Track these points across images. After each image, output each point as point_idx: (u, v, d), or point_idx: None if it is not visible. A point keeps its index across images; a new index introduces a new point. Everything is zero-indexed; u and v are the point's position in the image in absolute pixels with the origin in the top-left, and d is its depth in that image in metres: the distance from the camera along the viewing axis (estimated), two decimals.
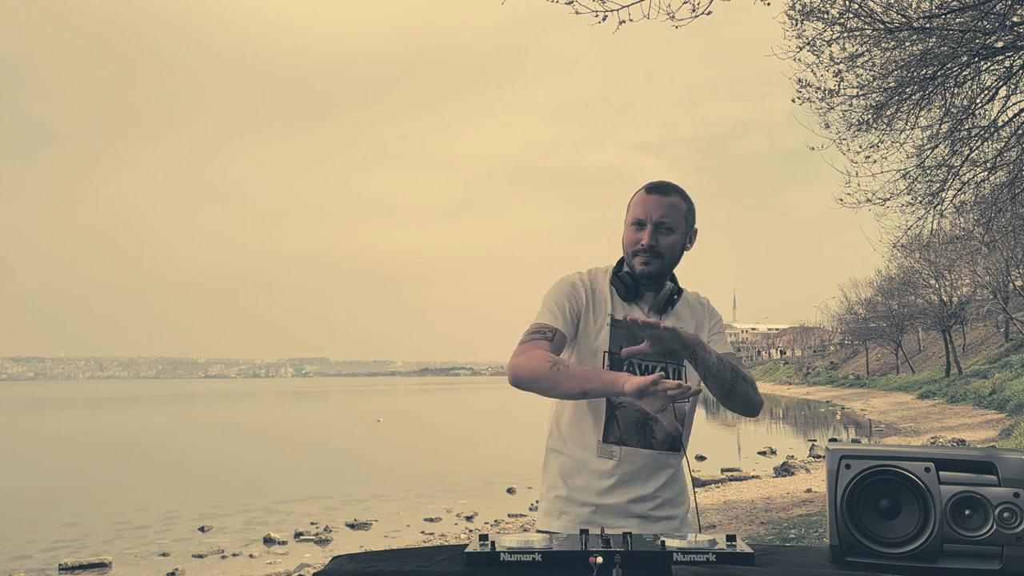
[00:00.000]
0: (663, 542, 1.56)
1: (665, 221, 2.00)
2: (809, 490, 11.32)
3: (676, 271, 2.12)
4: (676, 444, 2.06)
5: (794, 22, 8.10)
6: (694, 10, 6.46)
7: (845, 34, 8.02)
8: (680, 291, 2.11)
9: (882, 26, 7.52)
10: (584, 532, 1.58)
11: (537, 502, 2.23)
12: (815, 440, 21.58)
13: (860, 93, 8.62)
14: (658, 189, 2.03)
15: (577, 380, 1.86)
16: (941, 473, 1.51)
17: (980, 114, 9.03)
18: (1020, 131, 8.99)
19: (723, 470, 15.58)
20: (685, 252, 2.10)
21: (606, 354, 2.02)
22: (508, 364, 1.98)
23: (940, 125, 9.10)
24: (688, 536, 1.60)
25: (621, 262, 2.10)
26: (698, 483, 14.23)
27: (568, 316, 2.03)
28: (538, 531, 2.00)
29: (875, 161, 9.21)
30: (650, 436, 2.02)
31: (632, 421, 2.01)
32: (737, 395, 2.00)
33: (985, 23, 7.15)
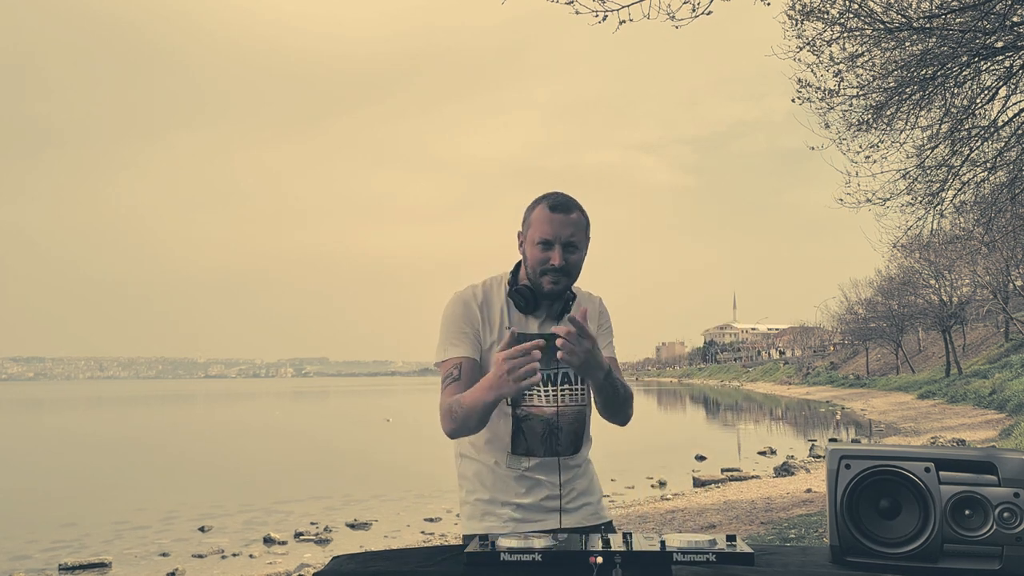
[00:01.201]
0: (663, 542, 1.56)
1: (573, 240, 2.03)
2: (809, 490, 11.32)
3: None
4: (578, 445, 2.13)
5: (794, 22, 8.10)
6: (694, 10, 6.46)
7: (845, 34, 8.02)
8: (573, 296, 2.14)
9: (882, 26, 7.52)
10: (584, 532, 1.59)
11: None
12: (815, 440, 21.57)
13: (860, 93, 8.62)
14: (562, 207, 2.03)
15: (474, 407, 1.92)
16: (941, 473, 1.52)
17: (980, 114, 9.03)
18: (1020, 131, 8.98)
19: (723, 470, 15.59)
20: None
21: None
22: None
23: (940, 125, 9.09)
24: (688, 536, 1.60)
25: (516, 271, 2.13)
26: (698, 483, 14.22)
27: (471, 337, 2.09)
28: (464, 535, 2.11)
29: (875, 161, 9.21)
30: (555, 444, 2.08)
31: (537, 433, 2.07)
32: (620, 415, 2.11)
33: (985, 23, 7.15)
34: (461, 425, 1.98)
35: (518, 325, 2.08)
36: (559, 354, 1.84)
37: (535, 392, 2.06)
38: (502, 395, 1.86)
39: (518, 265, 2.14)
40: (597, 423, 2.18)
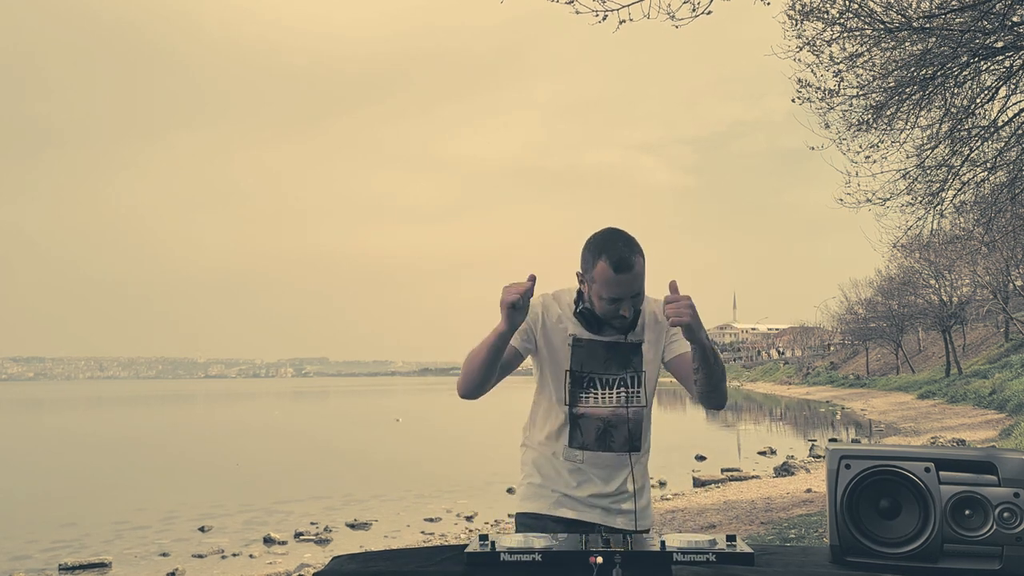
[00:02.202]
0: (663, 542, 1.56)
1: (638, 291, 2.10)
2: (809, 490, 11.32)
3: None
4: (636, 445, 2.21)
5: (794, 22, 8.09)
6: (694, 10, 6.45)
7: (845, 34, 8.01)
8: (640, 312, 2.20)
9: (882, 26, 7.52)
10: (584, 532, 1.59)
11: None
12: (815, 440, 21.56)
13: (860, 93, 8.61)
14: (626, 266, 2.05)
15: (479, 352, 2.05)
16: (941, 473, 1.52)
17: (980, 114, 9.02)
18: (1020, 131, 8.98)
19: (723, 470, 15.57)
20: None
21: (567, 372, 2.19)
22: None
23: (940, 125, 9.09)
24: (688, 536, 1.60)
25: (579, 295, 2.20)
26: (698, 483, 14.22)
27: (525, 332, 2.17)
28: (518, 513, 2.24)
29: (875, 161, 9.21)
30: (609, 441, 2.19)
31: (593, 429, 2.19)
32: (719, 390, 2.15)
33: (985, 23, 7.14)
34: (467, 367, 2.09)
35: (585, 335, 2.19)
36: (670, 319, 1.94)
37: (591, 394, 2.18)
38: (502, 325, 1.98)
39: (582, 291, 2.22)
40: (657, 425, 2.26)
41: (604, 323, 2.15)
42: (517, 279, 2.02)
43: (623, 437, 2.18)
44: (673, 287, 1.96)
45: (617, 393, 2.18)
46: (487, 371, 2.08)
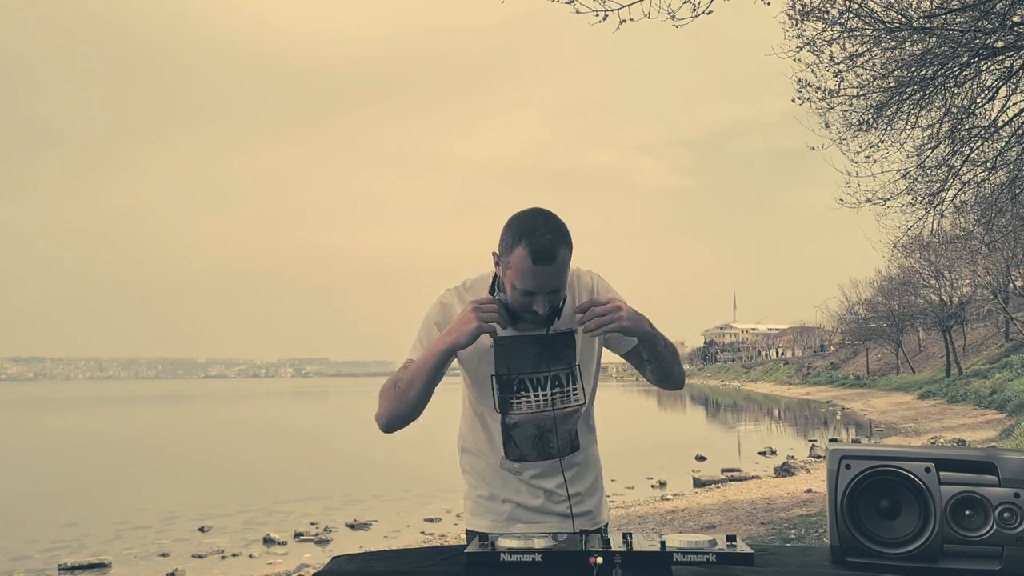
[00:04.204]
0: (663, 542, 1.56)
1: (557, 287, 1.85)
2: (809, 490, 11.32)
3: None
4: (575, 443, 2.04)
5: (794, 22, 8.09)
6: (694, 10, 6.45)
7: (845, 34, 8.01)
8: (563, 297, 1.94)
9: (882, 26, 7.52)
10: (584, 532, 1.59)
11: None
12: (815, 440, 21.56)
13: (860, 93, 8.62)
14: (545, 257, 1.78)
15: (418, 375, 1.87)
16: (941, 473, 1.51)
17: (980, 114, 9.02)
18: (1020, 131, 8.98)
19: (723, 470, 15.58)
20: None
21: (493, 377, 1.98)
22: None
23: (940, 125, 9.09)
24: (688, 536, 1.60)
25: (495, 281, 1.97)
26: (698, 483, 14.22)
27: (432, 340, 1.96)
28: (468, 531, 2.05)
29: (875, 161, 9.20)
30: (547, 447, 2.00)
31: (528, 437, 2.00)
32: (673, 373, 2.04)
33: (985, 23, 7.14)
34: (401, 402, 1.89)
35: (503, 331, 1.95)
36: (594, 333, 1.82)
37: (523, 398, 1.98)
38: (460, 336, 1.82)
39: (497, 278, 1.98)
40: (605, 418, 2.15)
41: (520, 318, 1.91)
42: None
43: (564, 440, 2.00)
44: (579, 309, 1.82)
45: (552, 394, 1.98)
46: (425, 395, 1.89)
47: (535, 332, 1.95)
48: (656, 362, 1.97)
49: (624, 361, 2.11)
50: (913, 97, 8.49)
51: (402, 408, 1.90)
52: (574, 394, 2.01)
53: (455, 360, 1.97)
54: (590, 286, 2.03)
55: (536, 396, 1.98)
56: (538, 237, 1.79)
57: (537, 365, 1.96)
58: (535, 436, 1.99)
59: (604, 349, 2.09)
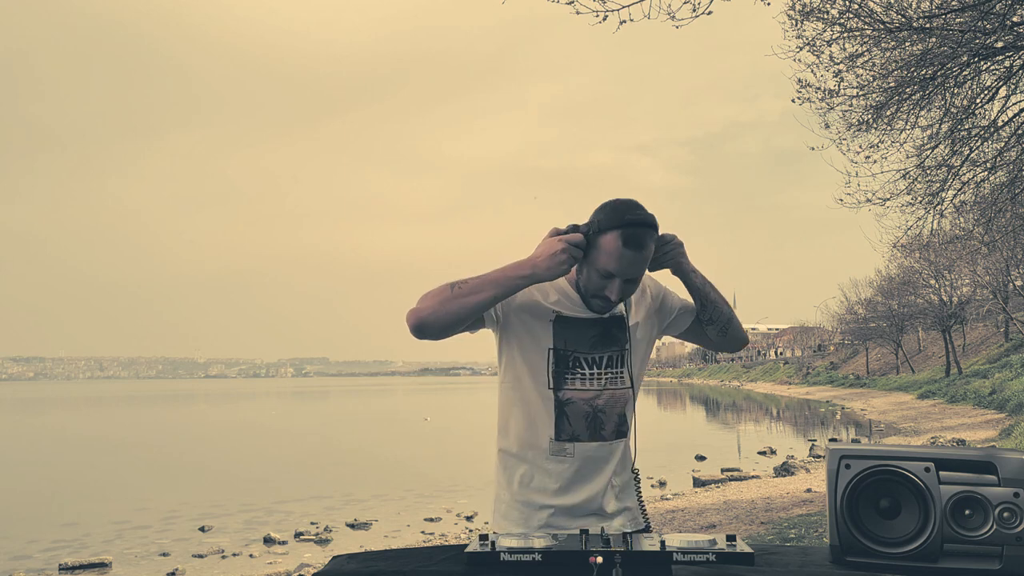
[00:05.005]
0: (663, 542, 1.56)
1: (636, 276, 1.90)
2: (809, 490, 11.32)
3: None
4: (623, 429, 2.05)
5: (794, 22, 8.09)
6: (695, 10, 6.45)
7: (845, 34, 8.01)
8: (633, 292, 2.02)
9: (882, 26, 7.52)
10: (584, 532, 1.59)
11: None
12: (815, 440, 21.56)
13: (860, 93, 8.61)
14: (636, 243, 1.84)
15: (488, 286, 1.83)
16: (941, 473, 1.52)
17: (980, 114, 9.02)
18: (1020, 131, 8.98)
19: (723, 470, 15.58)
20: None
21: (551, 351, 1.98)
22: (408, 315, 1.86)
23: (940, 125, 9.09)
24: (688, 536, 1.60)
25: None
26: (698, 483, 14.22)
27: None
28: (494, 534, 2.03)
29: (875, 161, 9.20)
30: (600, 428, 2.00)
31: (581, 416, 1.98)
32: (732, 327, 2.08)
33: (985, 23, 7.14)
34: (461, 296, 1.83)
35: (567, 312, 1.99)
36: (670, 256, 1.93)
37: (577, 375, 1.98)
38: (547, 270, 1.82)
39: None
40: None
41: (586, 299, 1.96)
42: None
43: (612, 424, 2.01)
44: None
45: (605, 372, 2.00)
46: (482, 308, 1.85)
47: (592, 315, 1.99)
48: (712, 309, 2.03)
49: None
50: (913, 97, 8.49)
51: (456, 309, 1.84)
52: (621, 378, 2.02)
53: (506, 338, 2.00)
54: (649, 283, 2.11)
55: (591, 374, 1.99)
56: (632, 220, 1.84)
57: (593, 346, 1.98)
58: (588, 414, 1.99)
59: (655, 340, 2.13)
